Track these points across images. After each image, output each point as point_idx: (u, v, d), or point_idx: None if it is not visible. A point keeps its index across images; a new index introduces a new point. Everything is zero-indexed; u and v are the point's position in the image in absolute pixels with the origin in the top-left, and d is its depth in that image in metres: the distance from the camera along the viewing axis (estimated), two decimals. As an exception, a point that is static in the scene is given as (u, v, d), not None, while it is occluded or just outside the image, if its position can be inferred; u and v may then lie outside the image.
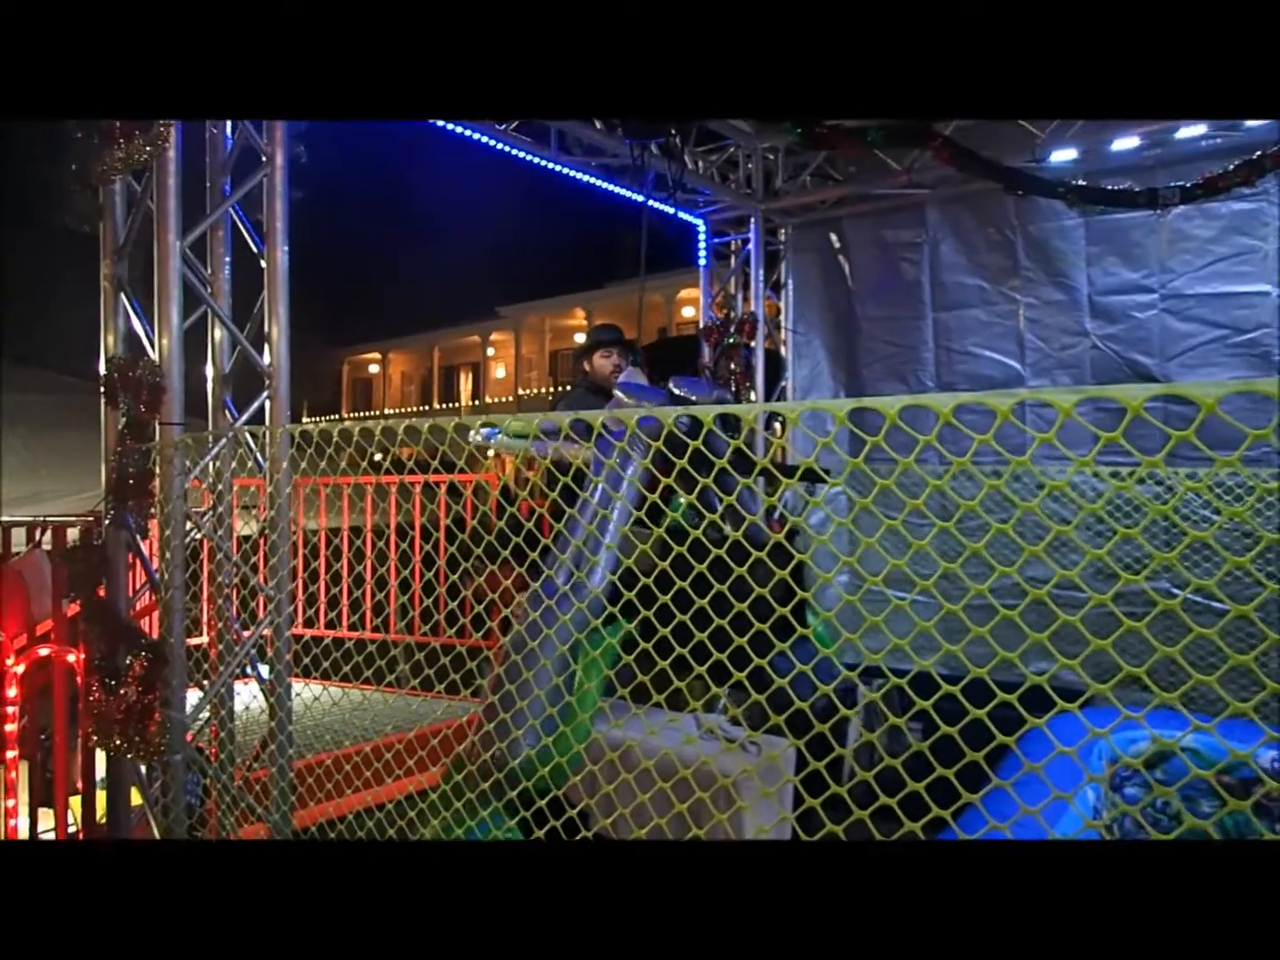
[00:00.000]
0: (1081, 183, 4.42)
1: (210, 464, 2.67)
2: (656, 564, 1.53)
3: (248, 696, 2.96)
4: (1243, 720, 1.14)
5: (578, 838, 1.73)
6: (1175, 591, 4.02)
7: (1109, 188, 4.40)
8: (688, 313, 23.51)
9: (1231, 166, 4.06)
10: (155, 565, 2.63)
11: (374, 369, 33.69)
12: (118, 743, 2.53)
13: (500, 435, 3.19)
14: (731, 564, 1.41)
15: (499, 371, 30.18)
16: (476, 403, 29.14)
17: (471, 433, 3.33)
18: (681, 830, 1.75)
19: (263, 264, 2.82)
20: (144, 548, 2.68)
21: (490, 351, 30.13)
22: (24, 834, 3.19)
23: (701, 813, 1.87)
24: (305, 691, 2.89)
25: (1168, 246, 4.75)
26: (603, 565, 2.49)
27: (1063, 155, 4.76)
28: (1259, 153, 4.01)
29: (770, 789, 3.05)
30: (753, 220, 5.65)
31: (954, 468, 1.29)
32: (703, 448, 1.47)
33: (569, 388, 4.36)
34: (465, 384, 31.03)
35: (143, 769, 2.69)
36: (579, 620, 2.46)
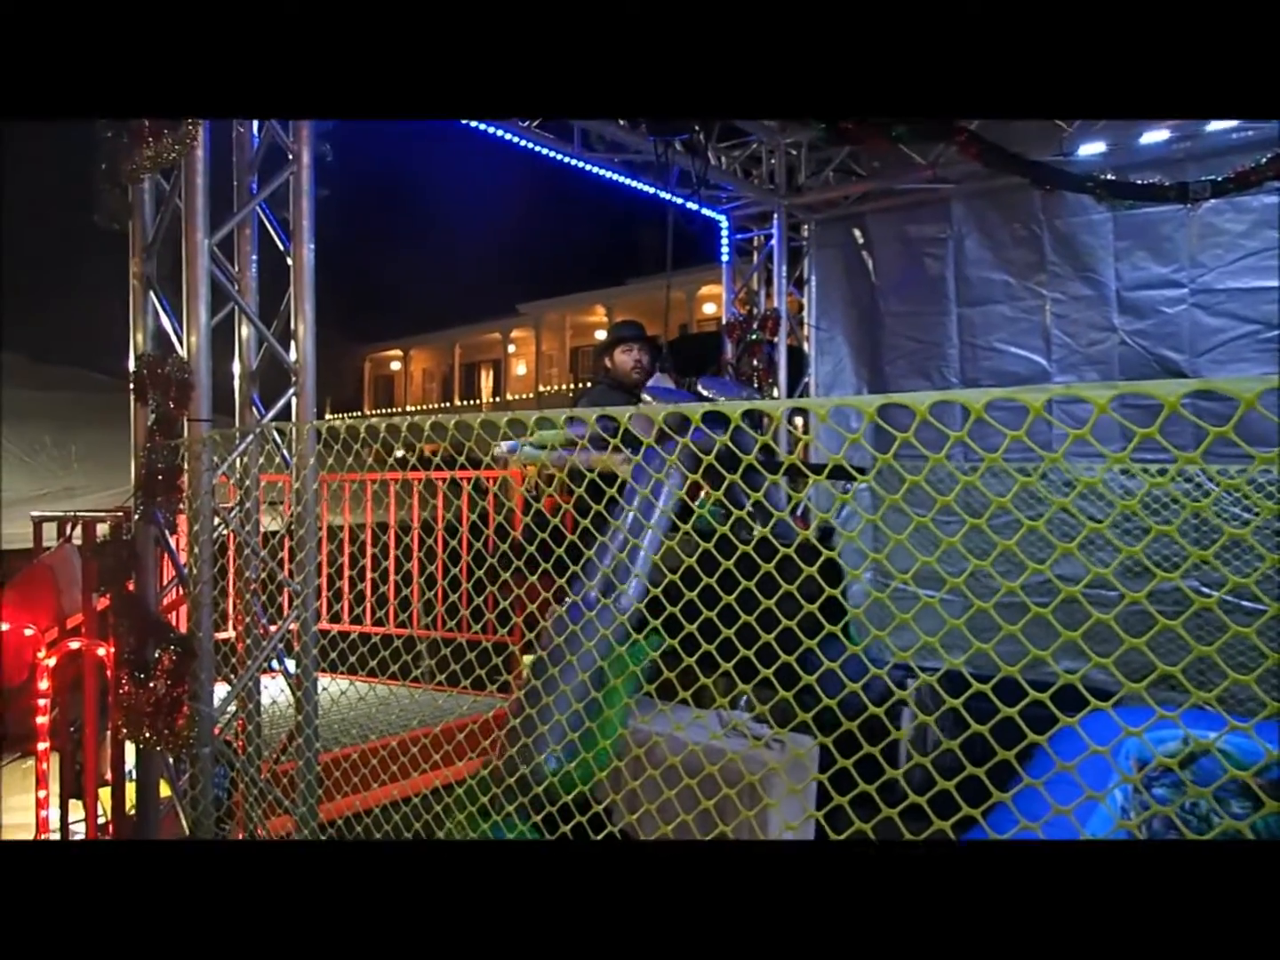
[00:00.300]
0: (1110, 177, 4.37)
1: (237, 460, 2.69)
2: (684, 560, 1.53)
3: (275, 691, 2.98)
4: (1275, 722, 1.13)
5: (602, 834, 1.73)
6: (1205, 590, 3.98)
7: (1138, 182, 4.34)
8: (709, 309, 23.44)
9: (1264, 160, 4.00)
10: (183, 560, 2.66)
11: (396, 366, 33.86)
12: (147, 735, 2.56)
13: (523, 448, 3.15)
14: (760, 561, 1.41)
15: (520, 369, 30.24)
16: (497, 399, 29.22)
17: (492, 447, 3.30)
18: (707, 827, 1.74)
19: (289, 261, 2.83)
20: (172, 543, 2.71)
21: (511, 349, 30.20)
22: (55, 825, 3.24)
23: (727, 810, 1.86)
24: (331, 686, 2.92)
25: (1198, 241, 4.69)
26: (644, 578, 2.48)
27: (1091, 149, 4.71)
28: None
29: (797, 786, 3.05)
30: (775, 216, 5.63)
31: (985, 464, 1.28)
32: (731, 444, 1.47)
33: (589, 384, 4.33)
34: (486, 381, 31.12)
35: (171, 761, 2.72)
36: (619, 634, 2.44)
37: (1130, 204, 4.47)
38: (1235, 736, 1.09)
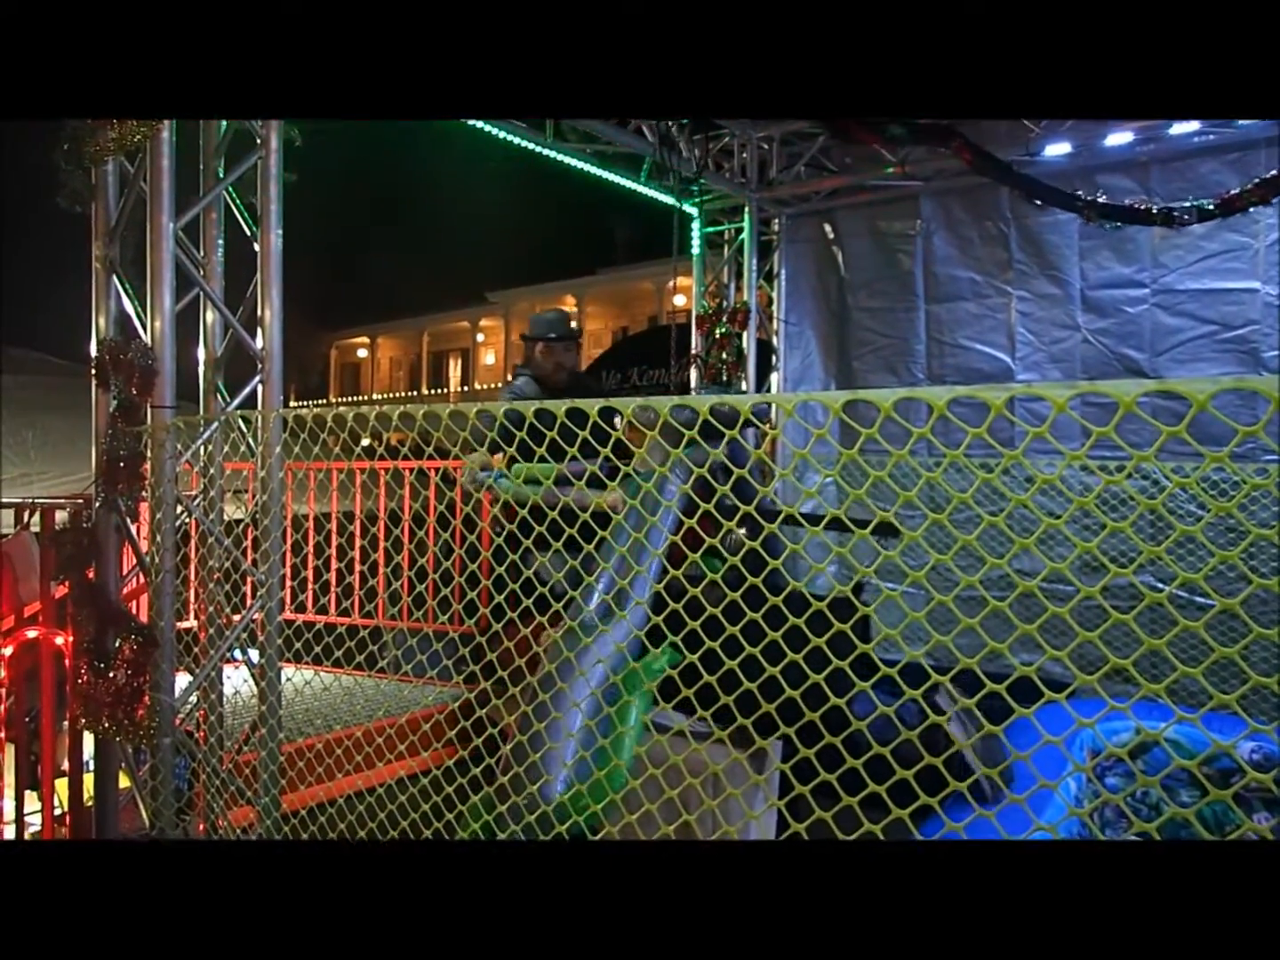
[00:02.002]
0: (1101, 199, 4.42)
1: (201, 448, 2.66)
2: (703, 605, 1.53)
3: (237, 681, 2.95)
4: (1221, 713, 1.16)
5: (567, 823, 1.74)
6: (1159, 586, 4.06)
7: (1127, 205, 4.39)
8: (679, 301, 23.47)
9: (1249, 185, 4.07)
10: (145, 549, 2.63)
11: (362, 354, 33.53)
12: (106, 725, 2.53)
13: (506, 482, 3.00)
14: (789, 615, 1.39)
15: (489, 358, 30.08)
16: (465, 389, 29.06)
17: (466, 470, 3.18)
18: (672, 816, 1.76)
19: (255, 247, 2.80)
20: (134, 530, 2.67)
21: (480, 338, 30.03)
22: (9, 816, 3.19)
23: (690, 799, 1.88)
24: (296, 676, 2.89)
25: (1160, 241, 4.77)
26: (646, 605, 2.43)
27: (1057, 149, 4.77)
28: (1275, 171, 4.02)
29: (759, 777, 3.08)
30: (746, 209, 5.65)
31: (947, 460, 1.30)
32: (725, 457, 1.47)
33: (512, 379, 4.09)
34: (455, 370, 30.93)
35: (130, 752, 2.69)
36: (635, 648, 2.42)
37: (1116, 225, 4.53)
38: (1184, 727, 1.12)
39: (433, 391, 30.07)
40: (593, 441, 1.51)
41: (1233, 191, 4.17)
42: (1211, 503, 1.20)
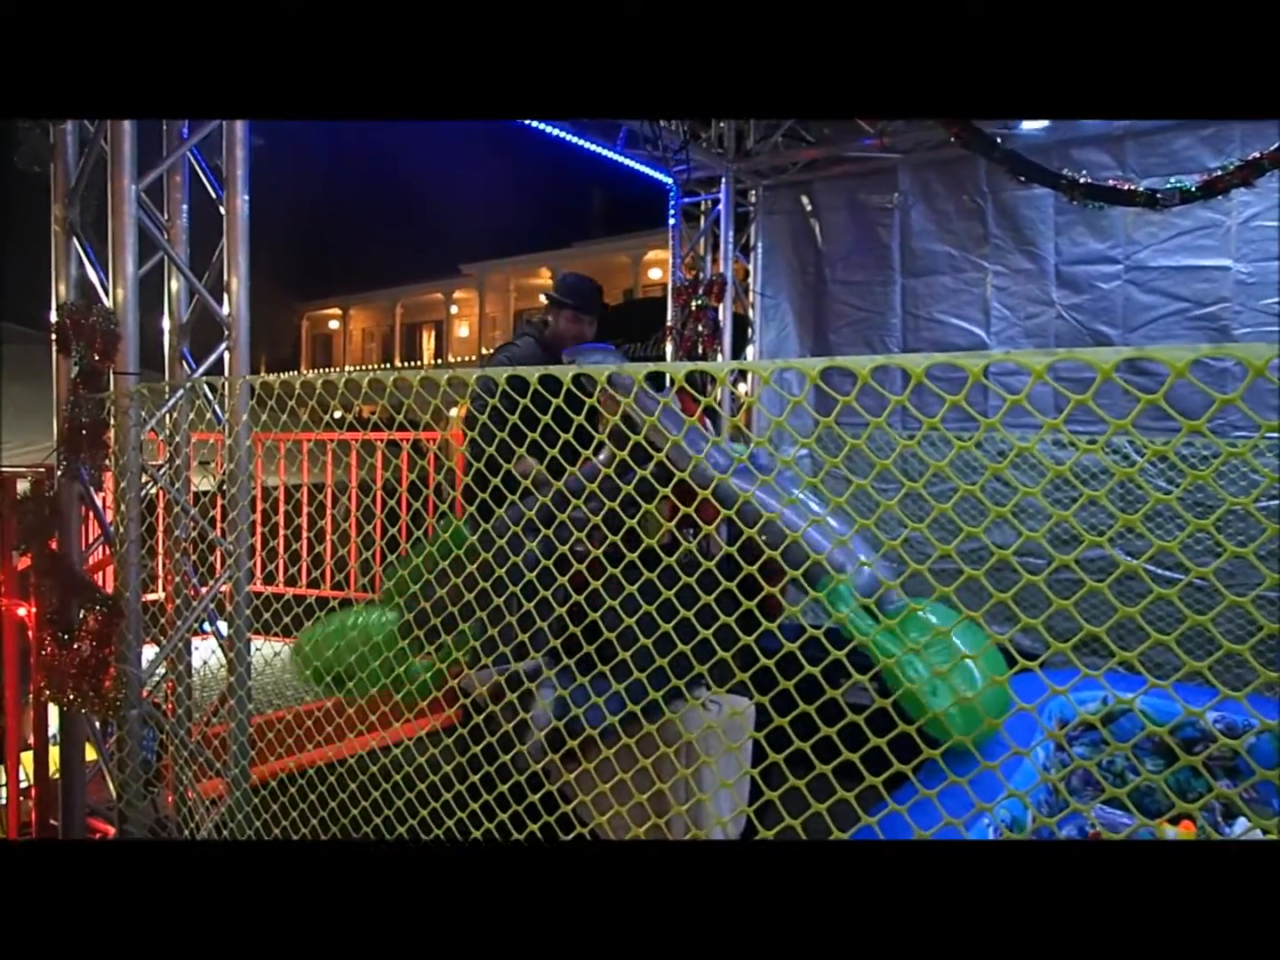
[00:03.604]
0: (1086, 179, 4.40)
1: (167, 416, 2.61)
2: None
3: (206, 653, 2.91)
4: (1186, 684, 1.17)
5: (540, 793, 1.73)
6: (1130, 559, 4.10)
7: (1111, 185, 4.38)
8: (655, 275, 23.35)
9: (1232, 167, 4.07)
10: (110, 518, 2.58)
11: (334, 325, 33.11)
12: (71, 697, 2.50)
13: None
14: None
15: (463, 330, 29.82)
16: (439, 362, 28.80)
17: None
18: (645, 784, 1.76)
19: (221, 210, 2.73)
20: (98, 500, 2.62)
21: (454, 309, 29.73)
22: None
23: (664, 768, 1.88)
24: (265, 648, 2.86)
25: (1134, 218, 4.78)
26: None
27: (1034, 123, 4.76)
28: (1257, 153, 4.02)
29: (733, 745, 3.08)
30: (723, 180, 5.60)
31: (924, 428, 1.29)
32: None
33: (514, 338, 3.69)
34: (428, 342, 30.64)
35: (97, 725, 2.66)
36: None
37: (1100, 205, 4.52)
38: (1150, 698, 1.13)
39: (406, 364, 29.78)
40: (566, 410, 1.49)
41: (1215, 174, 4.17)
42: (1190, 471, 1.20)
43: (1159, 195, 4.17)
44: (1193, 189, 4.15)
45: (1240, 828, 3.30)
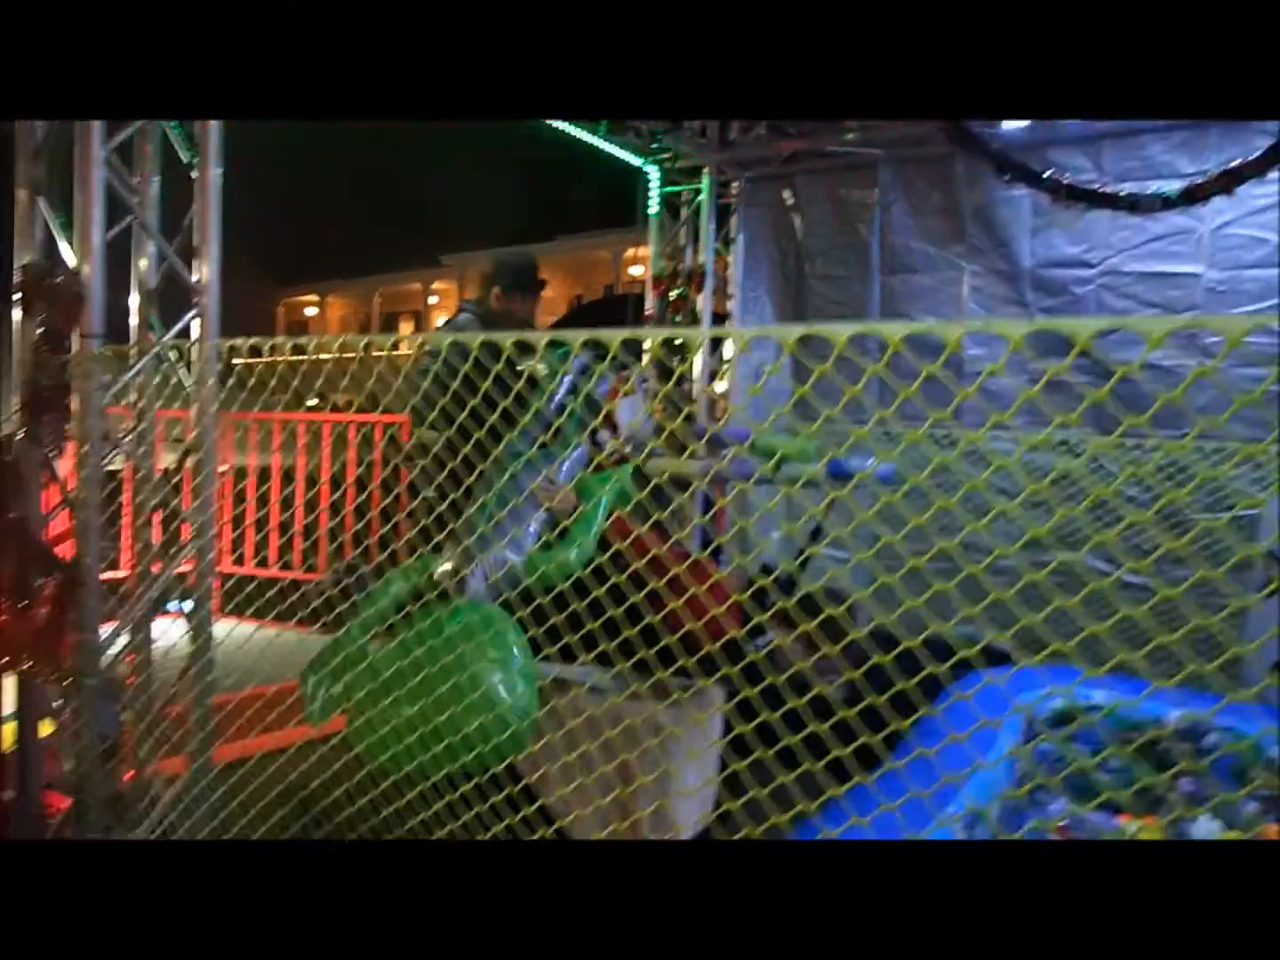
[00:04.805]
0: (1070, 180, 4.43)
1: (133, 381, 2.55)
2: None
3: (175, 635, 2.84)
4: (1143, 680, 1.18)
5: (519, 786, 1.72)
6: (1099, 566, 4.12)
7: (1096, 189, 4.42)
8: (635, 271, 23.32)
9: (1214, 175, 4.12)
10: (71, 485, 2.52)
11: (311, 312, 32.80)
12: (28, 665, 2.44)
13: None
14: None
15: (441, 321, 29.66)
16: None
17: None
18: (612, 759, 1.75)
19: (193, 175, 2.68)
20: (59, 468, 2.56)
21: (433, 300, 29.56)
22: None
23: (631, 743, 1.86)
24: (237, 630, 2.80)
25: (1109, 222, 4.81)
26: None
27: (1015, 122, 4.79)
28: (1238, 160, 4.07)
29: (700, 716, 3.08)
30: (706, 170, 5.58)
31: (901, 397, 1.29)
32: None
33: (455, 314, 3.63)
34: (407, 332, 30.43)
35: (55, 700, 2.60)
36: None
37: (1086, 207, 4.55)
38: (1111, 693, 1.13)
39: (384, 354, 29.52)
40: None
41: (1196, 181, 4.22)
42: (1151, 479, 1.21)
43: (1142, 201, 4.21)
44: (1174, 196, 4.20)
45: (1203, 825, 3.34)
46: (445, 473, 1.91)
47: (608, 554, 1.56)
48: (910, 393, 1.26)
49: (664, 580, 1.48)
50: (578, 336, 1.50)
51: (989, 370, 1.19)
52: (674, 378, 1.61)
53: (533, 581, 2.07)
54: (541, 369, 1.96)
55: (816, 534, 3.29)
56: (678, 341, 4.99)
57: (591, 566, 1.59)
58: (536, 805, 1.71)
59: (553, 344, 1.53)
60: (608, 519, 2.44)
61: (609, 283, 24.04)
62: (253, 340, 1.97)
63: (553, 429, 1.67)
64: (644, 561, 1.53)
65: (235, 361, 2.44)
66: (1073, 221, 4.91)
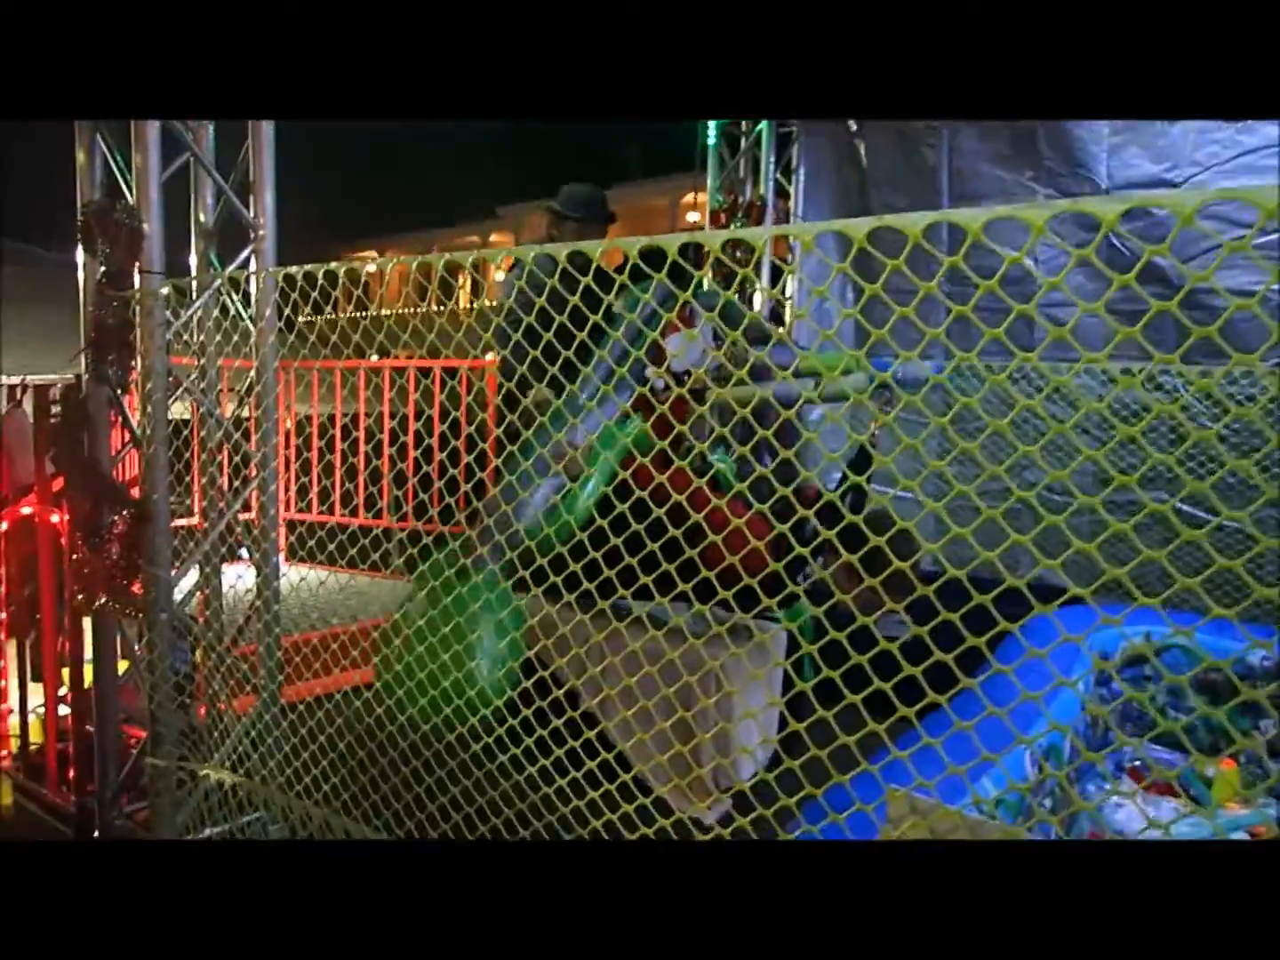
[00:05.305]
0: None
1: (194, 318, 2.56)
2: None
3: (233, 578, 2.89)
4: (1231, 621, 1.11)
5: (564, 718, 1.69)
6: (1172, 501, 3.97)
7: None
8: (692, 218, 22.94)
9: None
10: (137, 421, 2.55)
11: (371, 268, 33.01)
12: (104, 600, 2.50)
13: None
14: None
15: (498, 275, 29.63)
16: (474, 304, 28.71)
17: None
18: (669, 713, 1.72)
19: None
20: (125, 404, 2.60)
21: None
22: (14, 706, 3.20)
23: (690, 697, 1.83)
24: (310, 575, 2.84)
25: (1195, 136, 4.53)
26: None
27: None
28: None
29: (759, 671, 3.03)
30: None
31: (980, 291, 1.21)
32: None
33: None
34: (464, 285, 30.52)
35: (129, 633, 2.66)
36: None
37: None
38: (1200, 634, 1.06)
39: (442, 307, 29.72)
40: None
41: None
42: (1234, 409, 1.12)
43: None
44: None
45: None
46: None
47: (628, 502, 1.52)
48: (992, 285, 1.18)
49: (693, 519, 1.44)
50: (632, 246, 1.43)
51: (1050, 283, 1.10)
52: (729, 304, 1.54)
53: (539, 540, 2.05)
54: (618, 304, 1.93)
55: (862, 461, 3.12)
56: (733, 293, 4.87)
57: (612, 515, 1.55)
58: (598, 729, 1.70)
59: (635, 276, 1.48)
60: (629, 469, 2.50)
61: (667, 231, 23.71)
62: (308, 267, 1.94)
63: (614, 376, 1.62)
64: (667, 506, 1.50)
65: (297, 319, 2.44)
66: (1154, 138, 4.64)
